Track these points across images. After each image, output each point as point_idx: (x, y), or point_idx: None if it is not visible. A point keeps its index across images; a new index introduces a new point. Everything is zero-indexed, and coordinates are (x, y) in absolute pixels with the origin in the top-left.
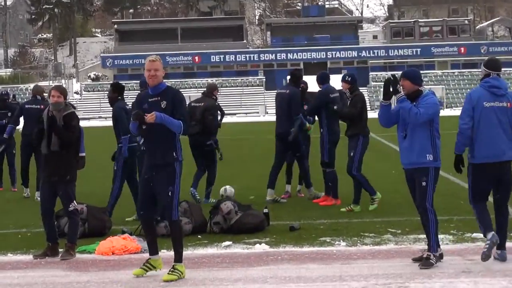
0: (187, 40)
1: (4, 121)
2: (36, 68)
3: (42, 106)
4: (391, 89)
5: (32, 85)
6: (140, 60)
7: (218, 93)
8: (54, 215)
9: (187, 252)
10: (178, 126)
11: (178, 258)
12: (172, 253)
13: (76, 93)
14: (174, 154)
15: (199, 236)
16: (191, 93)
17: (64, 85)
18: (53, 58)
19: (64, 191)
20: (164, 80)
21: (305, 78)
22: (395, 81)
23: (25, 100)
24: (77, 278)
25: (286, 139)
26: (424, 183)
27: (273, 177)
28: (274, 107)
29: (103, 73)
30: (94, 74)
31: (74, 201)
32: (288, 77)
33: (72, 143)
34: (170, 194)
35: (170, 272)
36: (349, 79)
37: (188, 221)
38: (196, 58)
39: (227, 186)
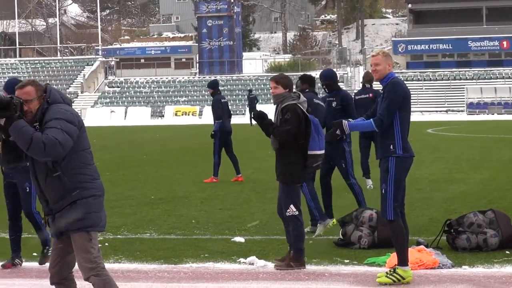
0: (493, 22)
1: None
2: (317, 53)
3: (371, 95)
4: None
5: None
6: (437, 45)
7: None
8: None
9: (493, 270)
10: None
11: (399, 261)
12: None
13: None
14: (391, 147)
15: (507, 252)
16: (497, 84)
17: (349, 73)
18: (337, 42)
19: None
20: (466, 69)
21: None
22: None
23: None
24: None
25: None
26: None
27: None
28: None
29: (394, 60)
30: None
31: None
32: None
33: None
34: (383, 191)
35: (387, 275)
36: None
37: (494, 234)
38: (504, 43)
39: None
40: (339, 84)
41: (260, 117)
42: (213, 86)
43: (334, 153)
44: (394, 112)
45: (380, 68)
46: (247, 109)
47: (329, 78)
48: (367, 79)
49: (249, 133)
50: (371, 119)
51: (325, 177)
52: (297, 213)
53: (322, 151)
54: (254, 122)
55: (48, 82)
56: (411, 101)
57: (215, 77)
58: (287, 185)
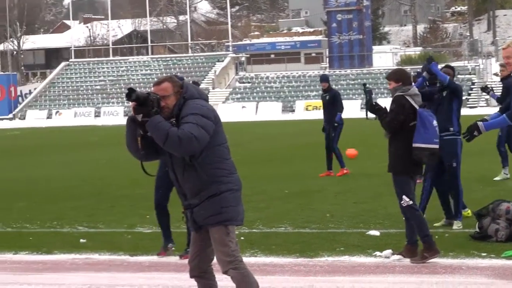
0: None
1: None
2: (448, 46)
3: None
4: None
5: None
6: None
7: None
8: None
9: None
10: None
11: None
12: None
13: (495, 74)
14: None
15: None
16: None
17: (481, 65)
18: (468, 34)
19: None
20: None
21: None
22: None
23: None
24: (502, 287)
25: None
26: None
27: None
28: None
29: None
30: None
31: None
32: None
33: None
34: None
35: None
36: None
37: None
38: None
39: None
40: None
41: (372, 106)
42: (328, 80)
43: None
44: None
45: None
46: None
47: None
48: None
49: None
50: (505, 114)
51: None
52: (411, 202)
53: (430, 145)
54: (370, 115)
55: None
56: None
57: (345, 71)
58: (397, 176)
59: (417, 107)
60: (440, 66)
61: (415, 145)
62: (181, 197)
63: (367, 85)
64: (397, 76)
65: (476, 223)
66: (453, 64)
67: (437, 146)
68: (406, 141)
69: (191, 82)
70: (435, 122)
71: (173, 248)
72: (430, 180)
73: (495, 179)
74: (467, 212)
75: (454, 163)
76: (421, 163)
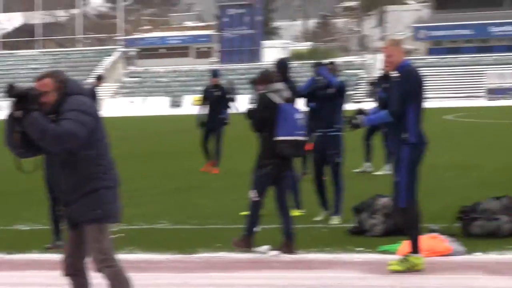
0: None
1: None
2: (338, 41)
3: None
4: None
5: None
6: (459, 31)
7: None
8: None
9: (505, 256)
10: None
11: (412, 248)
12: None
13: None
14: (404, 135)
15: None
16: None
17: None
18: (358, 29)
19: None
20: (486, 54)
21: None
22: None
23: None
24: (374, 281)
25: None
26: None
27: None
28: None
29: (415, 46)
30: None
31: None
32: None
33: None
34: (396, 179)
35: (399, 262)
36: None
37: (508, 220)
38: None
39: None
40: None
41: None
42: (218, 75)
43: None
44: (408, 100)
45: (393, 59)
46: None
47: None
48: None
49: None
50: (386, 110)
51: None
52: (257, 198)
53: (290, 137)
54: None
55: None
56: (429, 87)
57: (235, 66)
58: (257, 170)
59: (280, 101)
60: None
61: (277, 138)
62: (59, 194)
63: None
64: (261, 80)
65: (355, 218)
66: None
67: (300, 138)
68: (272, 136)
69: (97, 76)
70: (297, 115)
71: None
72: (291, 176)
73: (375, 173)
74: (299, 212)
75: (337, 159)
76: (286, 156)
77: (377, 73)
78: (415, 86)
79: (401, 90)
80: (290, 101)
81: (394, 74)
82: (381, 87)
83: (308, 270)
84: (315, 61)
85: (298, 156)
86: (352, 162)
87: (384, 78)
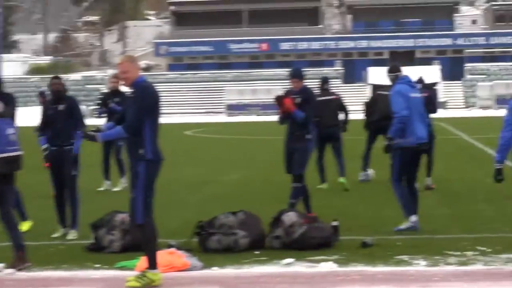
0: (254, 25)
1: None
2: (79, 55)
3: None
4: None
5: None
6: (199, 47)
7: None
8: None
9: (242, 270)
10: None
11: (149, 264)
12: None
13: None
14: (141, 151)
15: (256, 252)
16: (257, 86)
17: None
18: (99, 44)
19: None
20: (226, 71)
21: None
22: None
23: None
24: None
25: None
26: None
27: None
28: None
29: (155, 62)
30: (146, 64)
31: None
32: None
33: None
34: (132, 195)
35: (136, 278)
36: None
37: (244, 234)
38: (264, 45)
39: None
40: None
41: None
42: None
43: None
44: (143, 116)
45: (129, 75)
46: None
47: None
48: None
49: None
50: (121, 125)
51: None
52: None
53: (5, 154)
54: None
55: None
56: (169, 103)
57: None
58: None
59: None
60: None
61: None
62: None
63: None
64: None
65: (92, 234)
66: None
67: (12, 154)
68: None
69: None
70: (9, 130)
71: None
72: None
73: (114, 189)
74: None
75: (74, 171)
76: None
77: (105, 88)
78: (151, 102)
79: (137, 105)
80: (2, 116)
81: (130, 90)
82: (114, 102)
83: (44, 287)
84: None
85: (14, 171)
86: (89, 178)
87: (113, 93)
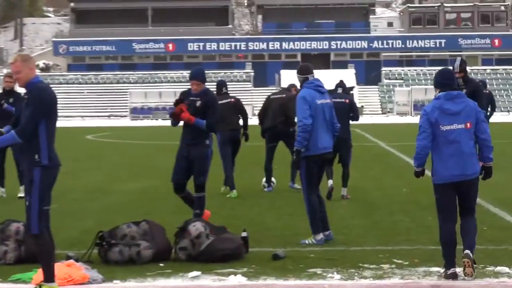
0: (160, 24)
1: None
2: None
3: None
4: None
5: None
6: (101, 47)
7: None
8: None
9: (145, 284)
10: None
11: (45, 277)
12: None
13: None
14: (36, 157)
15: (161, 264)
16: (162, 88)
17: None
18: None
19: None
20: (130, 72)
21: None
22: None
23: None
24: None
25: None
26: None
27: None
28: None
29: (54, 61)
30: (44, 63)
31: None
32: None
33: None
34: (27, 204)
35: None
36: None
37: (148, 246)
38: (170, 45)
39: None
40: None
41: None
42: None
43: None
44: (39, 119)
45: (22, 76)
46: None
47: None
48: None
49: None
50: (13, 130)
51: None
52: None
53: None
54: None
55: None
56: (69, 106)
57: None
58: None
59: None
60: None
61: None
62: None
63: None
64: None
65: None
66: None
67: None
68: None
69: None
70: None
71: None
72: None
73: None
74: None
75: None
76: None
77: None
78: (47, 104)
79: (31, 108)
80: None
81: (24, 91)
82: (8, 102)
83: None
84: None
85: None
86: None
87: (7, 93)
